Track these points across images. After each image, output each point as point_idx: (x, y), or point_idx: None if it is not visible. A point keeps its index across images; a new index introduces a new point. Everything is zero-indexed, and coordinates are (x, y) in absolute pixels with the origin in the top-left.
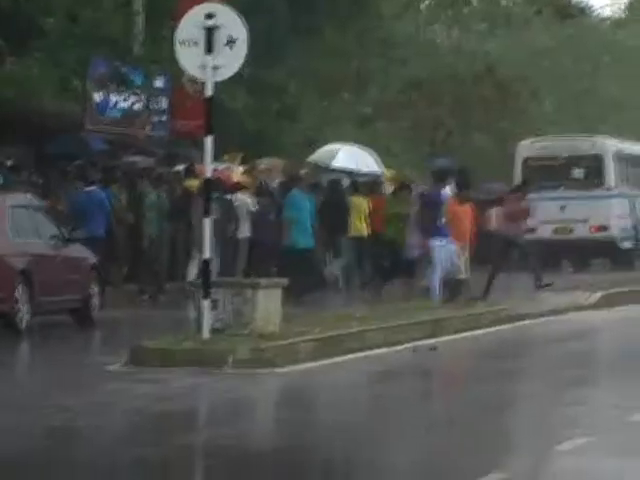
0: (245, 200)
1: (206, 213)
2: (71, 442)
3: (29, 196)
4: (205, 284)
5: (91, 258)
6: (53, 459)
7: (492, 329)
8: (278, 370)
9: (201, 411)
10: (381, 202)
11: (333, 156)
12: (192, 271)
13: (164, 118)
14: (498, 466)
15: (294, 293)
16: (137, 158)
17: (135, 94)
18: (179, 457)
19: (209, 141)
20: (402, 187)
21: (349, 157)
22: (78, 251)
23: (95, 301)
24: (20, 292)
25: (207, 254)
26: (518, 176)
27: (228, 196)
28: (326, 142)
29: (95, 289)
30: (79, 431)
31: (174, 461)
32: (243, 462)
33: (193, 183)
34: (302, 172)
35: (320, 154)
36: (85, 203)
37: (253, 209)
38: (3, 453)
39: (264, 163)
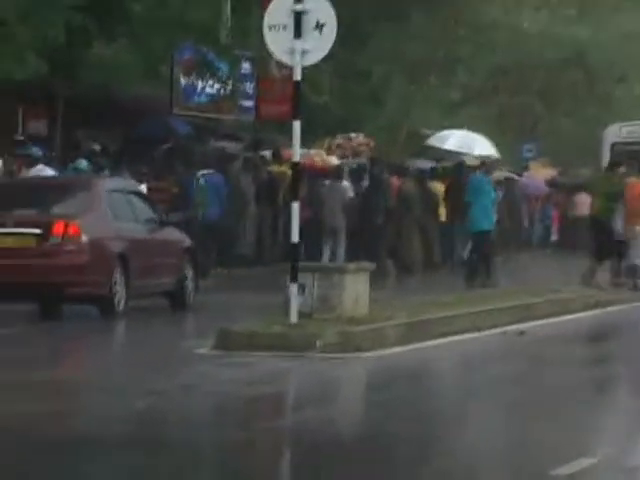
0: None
1: (295, 197)
2: (157, 425)
3: (126, 180)
4: (293, 268)
5: (186, 241)
6: (138, 441)
7: (581, 315)
8: (366, 354)
9: (288, 394)
10: None
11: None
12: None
13: (250, 103)
14: (589, 451)
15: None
16: (225, 143)
17: (221, 80)
18: (266, 441)
19: (297, 126)
20: (613, 165)
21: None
22: (174, 234)
23: (190, 284)
24: (117, 276)
25: (295, 238)
26: (605, 161)
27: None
28: (411, 127)
29: (190, 272)
30: (165, 414)
31: (261, 444)
32: (330, 446)
33: (280, 168)
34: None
35: (436, 138)
36: (203, 187)
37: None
38: (91, 434)
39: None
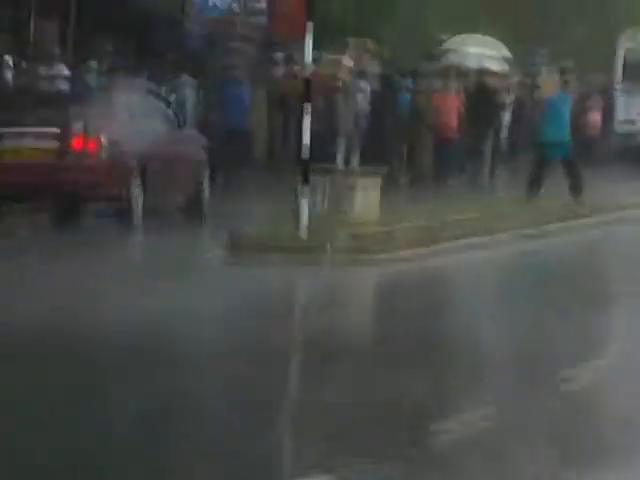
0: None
1: (307, 99)
2: (166, 326)
3: (146, 83)
4: (304, 171)
5: (205, 144)
6: (150, 340)
7: (593, 219)
8: (375, 257)
9: (300, 298)
10: None
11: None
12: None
13: (263, 19)
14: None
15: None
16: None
17: None
18: (275, 345)
19: (310, 26)
20: None
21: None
22: (193, 138)
23: (206, 189)
24: (135, 185)
25: (306, 140)
26: (619, 67)
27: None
28: (426, 30)
29: (206, 180)
30: (175, 315)
31: (271, 348)
32: (340, 350)
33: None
34: None
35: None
36: (228, 96)
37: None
38: (103, 329)
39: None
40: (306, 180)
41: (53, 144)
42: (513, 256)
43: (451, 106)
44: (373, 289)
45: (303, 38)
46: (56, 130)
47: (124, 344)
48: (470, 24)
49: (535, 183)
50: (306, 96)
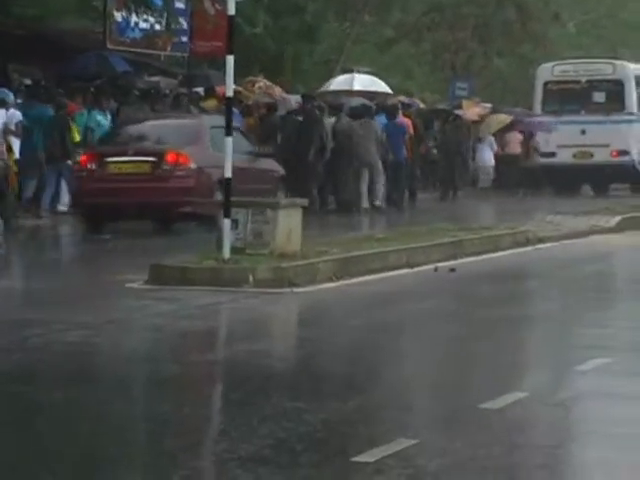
0: None
1: (228, 133)
2: (86, 357)
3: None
4: (226, 203)
5: (280, 170)
6: (69, 373)
7: (512, 251)
8: (298, 290)
9: (220, 329)
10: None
11: (351, 82)
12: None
13: (184, 39)
14: (517, 385)
15: None
16: (157, 78)
17: (155, 14)
18: (196, 374)
19: (230, 60)
20: None
21: (367, 81)
22: (268, 164)
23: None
24: (217, 198)
25: (228, 173)
26: (538, 100)
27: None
28: (345, 64)
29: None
30: (95, 347)
31: (191, 378)
32: (259, 379)
33: (210, 103)
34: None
35: (337, 82)
36: None
37: None
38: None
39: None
40: (228, 213)
41: (150, 158)
42: (430, 289)
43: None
44: (290, 323)
45: (224, 56)
46: (153, 147)
47: None
48: (389, 56)
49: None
50: (228, 116)
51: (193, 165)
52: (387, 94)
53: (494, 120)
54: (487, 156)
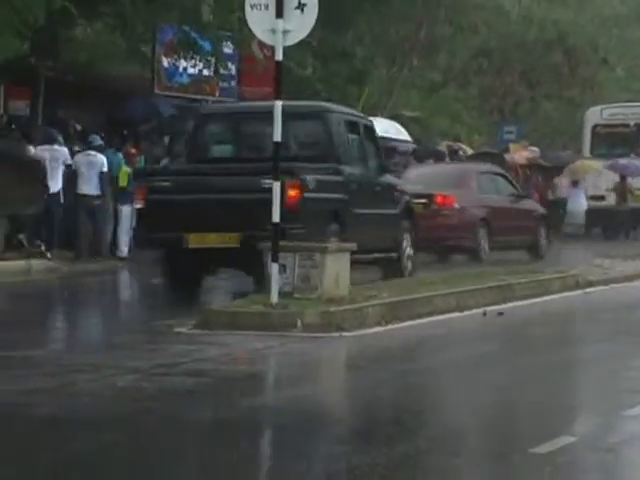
0: None
1: (276, 178)
2: (138, 402)
3: (491, 165)
4: (274, 248)
5: (540, 210)
6: (120, 419)
7: (561, 295)
8: (346, 334)
9: (269, 373)
10: None
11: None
12: None
13: (232, 84)
14: (566, 429)
15: None
16: None
17: (203, 60)
18: (247, 419)
19: (278, 106)
20: None
21: (386, 126)
22: (529, 204)
23: (543, 241)
24: (481, 234)
25: (276, 218)
26: (587, 143)
27: None
28: (394, 108)
29: (543, 233)
30: (146, 391)
31: (242, 423)
32: (311, 424)
33: None
34: None
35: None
36: None
37: None
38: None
39: None
40: (276, 257)
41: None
42: (480, 333)
43: None
44: (340, 367)
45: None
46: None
47: None
48: (433, 101)
49: None
50: (275, 163)
51: (458, 205)
52: (405, 141)
53: (585, 166)
54: (582, 200)
